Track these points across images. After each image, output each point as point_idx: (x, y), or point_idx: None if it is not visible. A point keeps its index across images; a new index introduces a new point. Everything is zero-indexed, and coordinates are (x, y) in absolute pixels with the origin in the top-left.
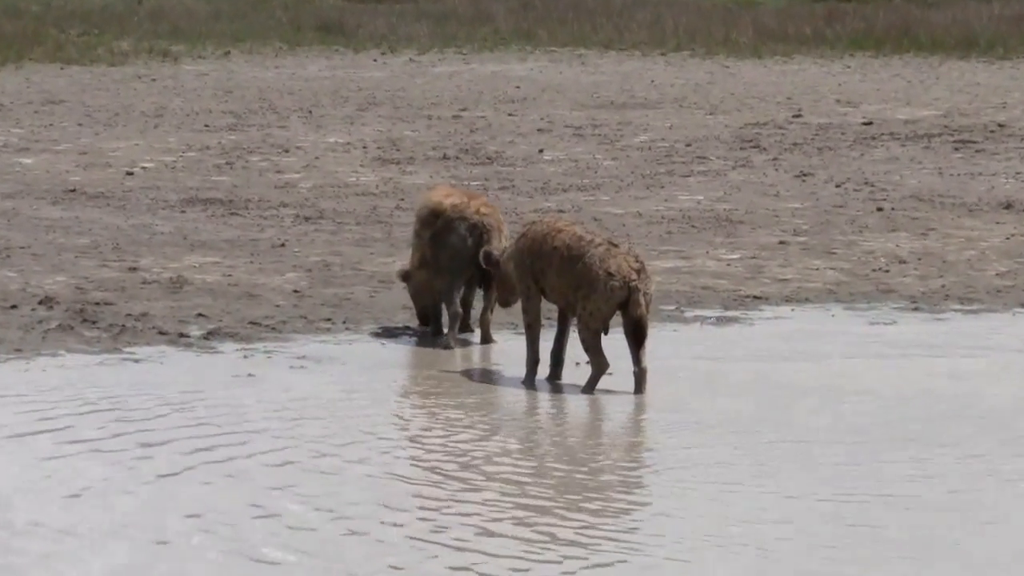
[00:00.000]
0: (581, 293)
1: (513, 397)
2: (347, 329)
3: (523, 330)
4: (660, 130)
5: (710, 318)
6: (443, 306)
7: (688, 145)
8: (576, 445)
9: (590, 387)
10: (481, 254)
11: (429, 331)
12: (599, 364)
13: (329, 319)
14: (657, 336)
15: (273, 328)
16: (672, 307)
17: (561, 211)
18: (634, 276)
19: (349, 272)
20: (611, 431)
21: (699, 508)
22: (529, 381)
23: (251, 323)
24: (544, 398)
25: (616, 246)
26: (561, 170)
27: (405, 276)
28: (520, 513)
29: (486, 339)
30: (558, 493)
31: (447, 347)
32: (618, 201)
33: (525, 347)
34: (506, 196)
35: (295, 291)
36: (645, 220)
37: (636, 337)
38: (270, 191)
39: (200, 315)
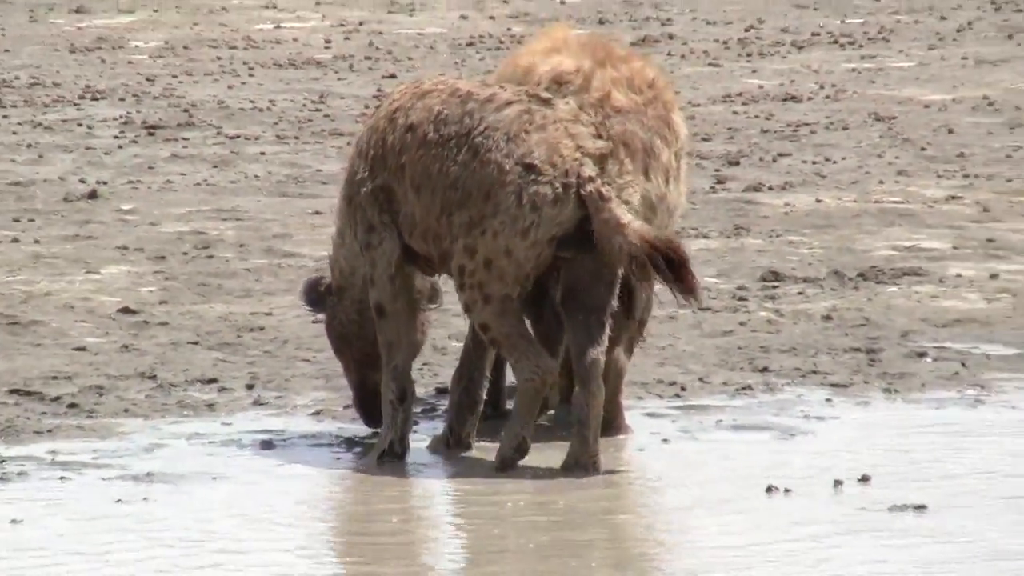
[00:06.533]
0: (472, 220)
1: None
2: None
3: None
4: None
5: None
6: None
7: None
8: None
9: (520, 425)
10: None
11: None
12: (538, 368)
13: None
14: None
15: None
16: None
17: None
18: (587, 171)
19: None
20: None
21: None
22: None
23: None
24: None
25: (547, 103)
26: None
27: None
28: None
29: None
30: None
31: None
32: None
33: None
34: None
35: None
36: None
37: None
38: None
39: None
